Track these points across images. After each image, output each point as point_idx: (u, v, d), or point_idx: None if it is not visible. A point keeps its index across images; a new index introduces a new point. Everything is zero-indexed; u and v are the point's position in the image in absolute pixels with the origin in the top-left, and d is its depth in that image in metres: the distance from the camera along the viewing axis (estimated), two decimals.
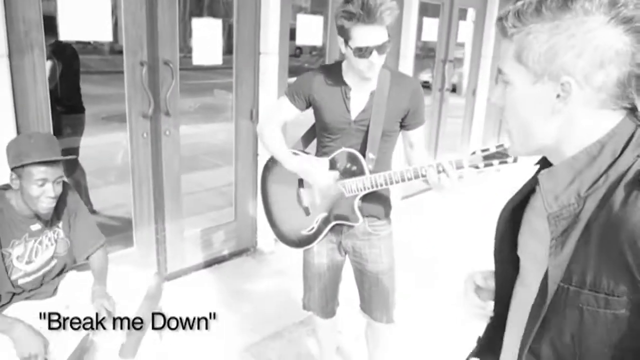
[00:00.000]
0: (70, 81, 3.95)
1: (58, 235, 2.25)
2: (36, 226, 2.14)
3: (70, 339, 2.05)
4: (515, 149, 0.92)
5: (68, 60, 3.84)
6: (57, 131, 3.98)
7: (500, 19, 0.87)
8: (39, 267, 2.19)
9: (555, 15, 0.78)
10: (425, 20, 5.04)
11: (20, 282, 2.14)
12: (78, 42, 3.93)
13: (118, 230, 3.72)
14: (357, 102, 1.97)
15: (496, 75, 0.94)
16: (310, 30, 3.90)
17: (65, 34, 2.65)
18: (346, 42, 1.83)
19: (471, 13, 5.77)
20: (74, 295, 2.26)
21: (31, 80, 2.58)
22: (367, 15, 1.72)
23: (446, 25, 5.27)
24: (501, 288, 1.07)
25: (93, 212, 4.23)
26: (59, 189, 2.06)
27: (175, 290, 3.41)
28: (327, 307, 2.33)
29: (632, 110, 0.81)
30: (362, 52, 1.79)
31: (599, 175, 0.80)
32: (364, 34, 1.76)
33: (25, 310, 2.12)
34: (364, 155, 1.98)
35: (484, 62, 5.85)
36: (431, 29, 5.14)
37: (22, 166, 1.96)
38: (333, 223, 2.09)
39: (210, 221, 3.88)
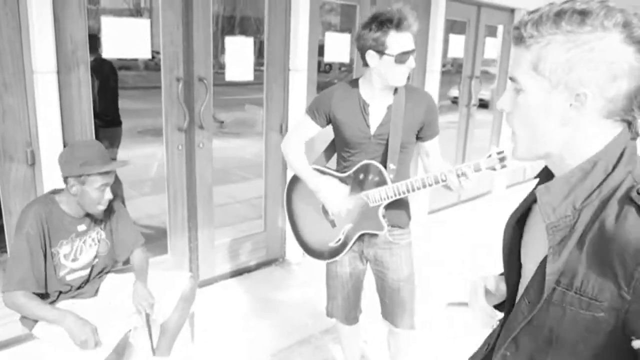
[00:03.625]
0: (108, 96, 4.15)
1: (100, 236, 2.40)
2: (82, 227, 2.30)
3: (109, 337, 2.18)
4: (519, 154, 0.96)
5: (106, 76, 4.05)
6: None
7: (517, 27, 0.89)
8: (83, 265, 2.34)
9: (574, 28, 0.82)
10: (452, 36, 5.12)
11: (67, 278, 2.29)
12: (120, 59, 4.13)
13: (153, 239, 3.87)
14: (376, 116, 2.08)
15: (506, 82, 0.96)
16: (338, 47, 4.03)
17: (108, 51, 2.83)
18: (381, 52, 1.94)
19: (501, 30, 5.82)
20: (114, 295, 2.40)
21: (77, 95, 2.76)
22: (404, 23, 1.89)
23: (472, 41, 5.34)
24: (510, 296, 1.13)
25: None
26: (111, 192, 2.24)
27: (206, 296, 3.53)
28: (350, 314, 2.41)
29: (630, 123, 0.88)
30: (404, 57, 1.94)
31: (592, 189, 0.86)
32: (402, 41, 1.92)
33: (70, 307, 2.26)
34: (384, 167, 2.07)
35: None
36: (458, 45, 5.21)
37: (89, 174, 2.13)
38: (359, 233, 2.18)
39: (241, 232, 4.00)
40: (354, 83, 2.13)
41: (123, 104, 4.62)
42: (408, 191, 2.01)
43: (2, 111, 2.55)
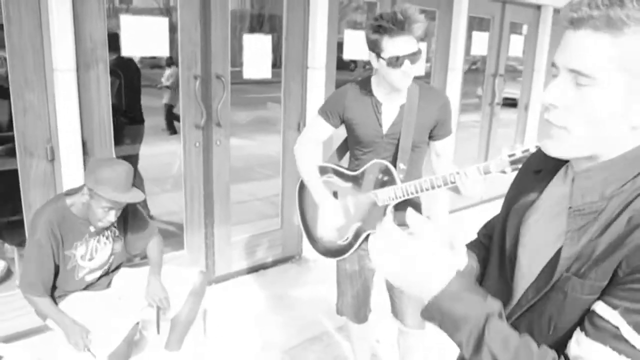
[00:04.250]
0: (131, 94, 4.23)
1: (114, 233, 2.45)
2: (93, 227, 2.35)
3: (119, 328, 2.23)
4: (562, 151, 0.86)
5: (130, 75, 4.12)
6: (118, 140, 4.30)
7: (595, 7, 0.75)
8: (100, 263, 2.40)
9: None
10: (475, 34, 5.05)
11: (87, 278, 2.37)
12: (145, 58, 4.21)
13: (172, 235, 3.93)
14: (388, 115, 2.06)
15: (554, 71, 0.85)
16: (358, 44, 4.01)
17: (127, 49, 2.88)
18: (378, 55, 1.93)
19: (525, 27, 5.71)
20: (126, 288, 2.45)
21: (95, 93, 2.82)
22: (398, 26, 1.84)
23: (496, 39, 5.25)
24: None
25: (150, 217, 4.51)
26: (119, 214, 2.27)
27: (222, 293, 3.57)
28: (360, 312, 2.40)
29: None
30: (396, 62, 1.89)
31: (627, 179, 0.82)
32: (396, 44, 1.88)
33: (83, 299, 2.33)
34: (395, 166, 2.06)
35: (536, 76, 5.76)
36: (481, 43, 5.14)
37: (99, 193, 2.16)
38: (367, 232, 2.17)
39: (259, 229, 4.03)
40: (367, 81, 2.12)
41: (151, 101, 4.69)
42: (417, 192, 1.99)
43: (23, 108, 2.62)
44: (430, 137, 2.13)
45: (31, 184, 2.75)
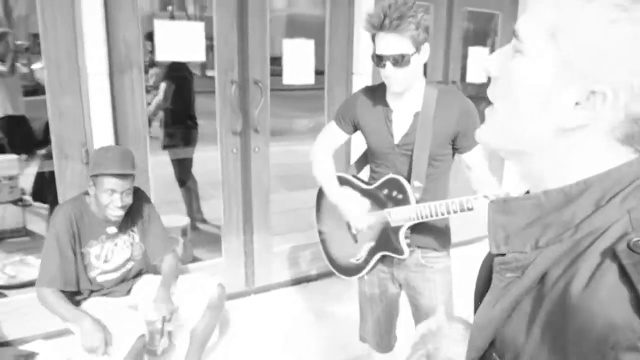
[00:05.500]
0: (184, 99, 4.29)
1: (134, 239, 2.41)
2: (112, 229, 2.32)
3: (125, 338, 2.16)
4: (484, 136, 0.69)
5: (182, 80, 4.17)
6: (171, 144, 4.36)
7: None
8: (115, 267, 2.36)
9: None
10: None
11: (99, 279, 2.33)
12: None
13: (217, 240, 3.89)
14: (401, 124, 1.85)
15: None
16: None
17: (161, 54, 2.86)
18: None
19: None
20: (146, 296, 2.39)
21: (130, 97, 2.81)
22: (383, 22, 1.64)
23: None
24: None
25: (203, 221, 4.53)
26: (128, 200, 2.22)
27: (260, 304, 3.47)
28: (383, 341, 2.20)
29: None
30: (377, 61, 1.72)
31: (569, 225, 0.59)
32: (380, 42, 1.69)
33: (99, 305, 2.29)
34: (410, 183, 1.85)
35: None
36: None
37: (97, 175, 2.14)
38: (380, 254, 1.98)
39: (304, 239, 3.90)
40: (381, 87, 1.91)
41: (211, 105, 4.73)
42: (431, 215, 1.77)
43: (59, 111, 2.66)
44: (456, 150, 1.88)
45: (67, 186, 2.78)
